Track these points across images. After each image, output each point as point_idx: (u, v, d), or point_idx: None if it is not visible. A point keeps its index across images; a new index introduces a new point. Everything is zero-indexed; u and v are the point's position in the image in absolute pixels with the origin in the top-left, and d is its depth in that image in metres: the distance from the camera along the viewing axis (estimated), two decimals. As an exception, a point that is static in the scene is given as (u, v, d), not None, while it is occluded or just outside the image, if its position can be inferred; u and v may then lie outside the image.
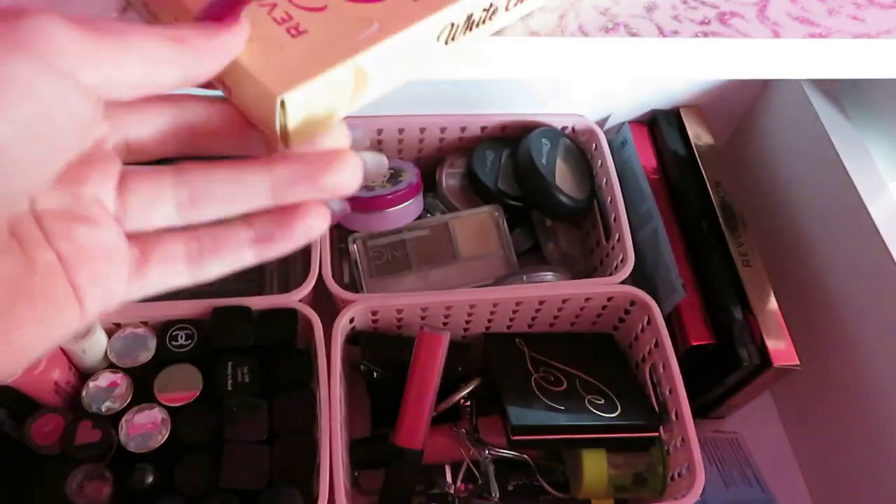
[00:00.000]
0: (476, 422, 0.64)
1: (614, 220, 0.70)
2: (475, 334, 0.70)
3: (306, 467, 0.54)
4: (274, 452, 0.54)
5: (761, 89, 0.78)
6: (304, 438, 0.55)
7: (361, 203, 0.67)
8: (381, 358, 0.64)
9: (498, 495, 0.59)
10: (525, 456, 0.63)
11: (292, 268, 0.69)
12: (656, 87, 0.77)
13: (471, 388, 0.63)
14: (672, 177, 0.74)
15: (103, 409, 0.55)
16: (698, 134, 0.76)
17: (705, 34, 0.43)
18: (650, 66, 0.44)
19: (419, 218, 0.70)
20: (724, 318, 0.65)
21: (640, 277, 0.70)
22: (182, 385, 0.57)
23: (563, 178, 0.72)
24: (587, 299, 0.66)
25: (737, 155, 0.83)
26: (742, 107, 0.80)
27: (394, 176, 0.69)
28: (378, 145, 0.75)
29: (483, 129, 0.75)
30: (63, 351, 0.55)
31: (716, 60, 0.44)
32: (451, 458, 0.64)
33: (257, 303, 0.60)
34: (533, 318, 0.68)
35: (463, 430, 0.63)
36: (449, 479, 0.63)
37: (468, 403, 0.65)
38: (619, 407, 0.61)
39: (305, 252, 0.68)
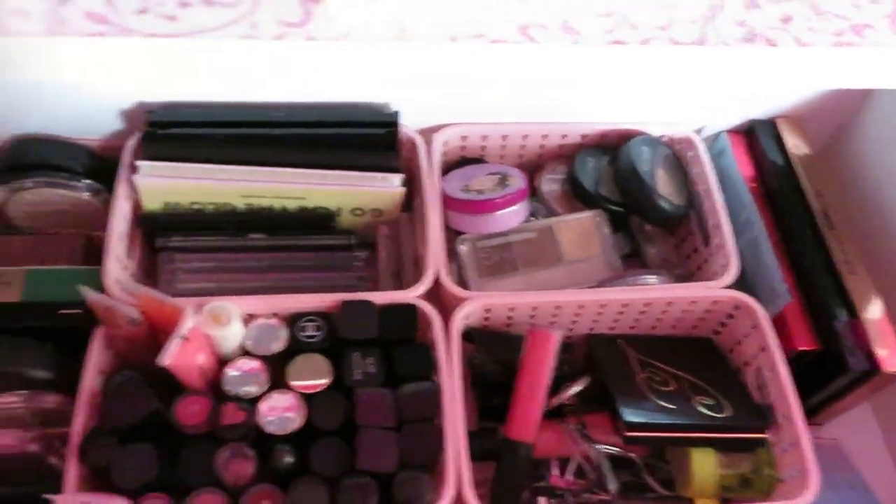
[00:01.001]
0: (582, 419, 0.66)
1: (714, 226, 0.72)
2: (578, 335, 0.72)
3: (433, 454, 0.56)
4: (402, 439, 0.56)
5: (861, 98, 0.79)
6: (431, 426, 0.57)
7: (471, 205, 0.70)
8: (492, 354, 0.66)
9: (617, 489, 0.60)
10: (632, 454, 0.64)
11: (404, 265, 0.72)
12: (752, 97, 0.78)
13: (580, 386, 0.65)
14: (771, 186, 0.75)
15: (242, 393, 0.59)
16: (796, 143, 0.77)
17: (840, 45, 0.45)
18: (789, 76, 0.46)
19: (524, 221, 0.73)
20: (828, 323, 0.66)
21: (738, 284, 0.72)
22: (313, 373, 0.60)
23: (662, 185, 0.74)
24: (692, 303, 0.68)
25: (835, 164, 0.83)
26: (840, 116, 0.81)
27: (502, 180, 0.72)
28: (482, 151, 0.78)
29: (583, 136, 0.78)
30: (207, 337, 0.59)
31: (852, 70, 0.45)
32: (557, 453, 0.66)
33: (379, 298, 0.63)
34: (636, 321, 0.70)
35: (572, 426, 0.65)
36: (556, 473, 0.65)
37: (573, 401, 0.67)
38: (728, 408, 0.63)
39: (416, 251, 0.72)
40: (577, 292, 0.67)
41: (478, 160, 0.79)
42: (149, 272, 0.70)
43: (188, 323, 0.56)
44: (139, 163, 0.67)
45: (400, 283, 0.71)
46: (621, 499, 0.64)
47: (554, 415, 0.67)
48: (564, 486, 0.64)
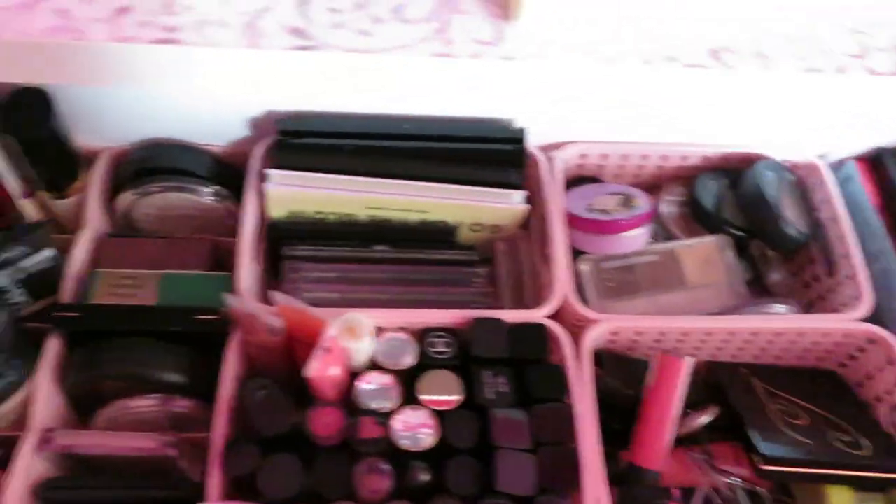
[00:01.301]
0: (707, 447, 0.65)
1: (842, 256, 0.70)
2: (698, 362, 0.70)
3: (571, 478, 0.55)
4: (538, 461, 0.56)
5: None
6: (567, 449, 0.56)
7: (598, 225, 0.69)
8: (618, 377, 0.65)
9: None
10: (758, 487, 0.63)
11: (523, 283, 0.71)
12: (879, 124, 0.76)
13: (710, 416, 0.64)
14: (900, 215, 0.73)
15: (376, 407, 0.58)
16: (926, 173, 0.75)
17: None
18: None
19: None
20: (969, 362, 0.63)
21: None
22: (444, 390, 0.59)
23: (787, 211, 0.72)
24: (823, 334, 0.66)
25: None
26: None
27: (626, 201, 0.71)
28: (598, 170, 0.78)
29: (704, 158, 0.76)
30: (343, 350, 0.59)
31: None
32: (678, 481, 0.64)
33: (508, 316, 0.63)
34: (762, 350, 0.69)
35: (700, 455, 0.63)
36: (677, 502, 0.63)
37: (699, 429, 0.65)
38: (866, 446, 0.61)
39: (534, 268, 0.71)
40: (708, 319, 0.65)
41: (593, 179, 0.78)
42: (268, 280, 0.70)
43: (330, 334, 0.56)
44: (269, 171, 0.67)
45: (520, 301, 0.71)
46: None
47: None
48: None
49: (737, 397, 0.65)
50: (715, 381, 0.68)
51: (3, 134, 0.63)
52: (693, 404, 0.66)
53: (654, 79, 0.48)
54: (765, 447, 0.59)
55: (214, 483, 0.54)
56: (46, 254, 0.63)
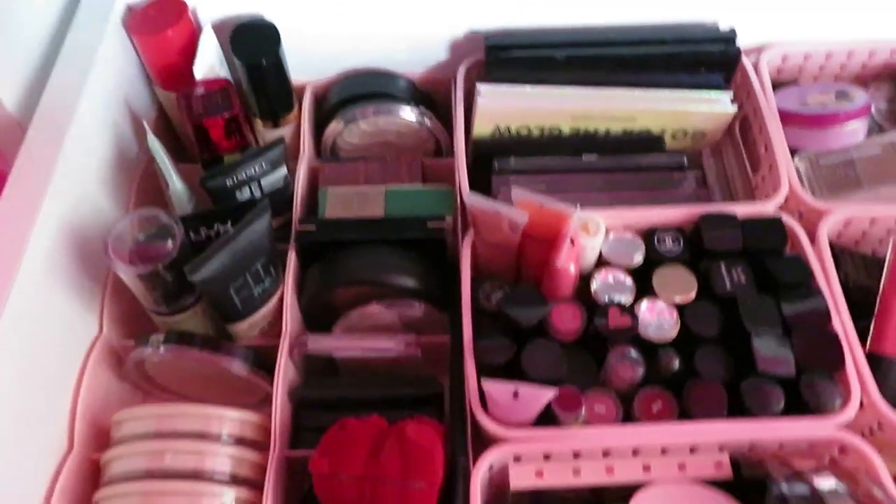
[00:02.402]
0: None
1: None
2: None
3: (833, 359, 0.54)
4: (796, 344, 0.55)
5: None
6: (826, 333, 0.55)
7: (815, 120, 0.67)
8: (851, 269, 0.63)
9: None
10: None
11: (736, 188, 0.70)
12: None
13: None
14: None
15: (616, 301, 0.59)
16: None
17: None
18: None
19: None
20: None
21: None
22: (678, 285, 0.59)
23: None
24: None
25: None
26: None
27: (841, 95, 0.69)
28: (800, 72, 0.75)
29: (913, 52, 0.73)
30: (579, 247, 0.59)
31: None
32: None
33: (739, 210, 0.62)
34: None
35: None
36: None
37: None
38: None
39: (744, 172, 0.70)
40: (951, 204, 0.63)
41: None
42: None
43: (574, 225, 0.57)
44: (480, 86, 0.68)
45: (730, 193, 0.69)
46: None
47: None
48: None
49: None
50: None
51: (238, 60, 0.66)
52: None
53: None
54: None
55: (471, 370, 0.55)
56: (282, 172, 0.66)
